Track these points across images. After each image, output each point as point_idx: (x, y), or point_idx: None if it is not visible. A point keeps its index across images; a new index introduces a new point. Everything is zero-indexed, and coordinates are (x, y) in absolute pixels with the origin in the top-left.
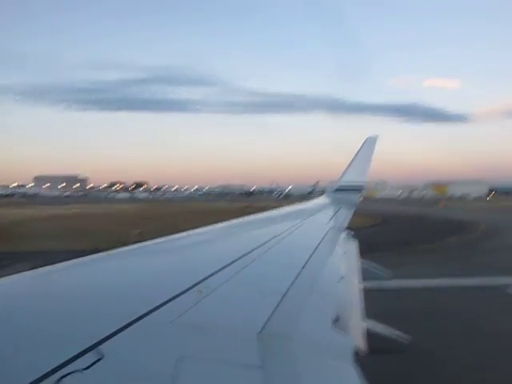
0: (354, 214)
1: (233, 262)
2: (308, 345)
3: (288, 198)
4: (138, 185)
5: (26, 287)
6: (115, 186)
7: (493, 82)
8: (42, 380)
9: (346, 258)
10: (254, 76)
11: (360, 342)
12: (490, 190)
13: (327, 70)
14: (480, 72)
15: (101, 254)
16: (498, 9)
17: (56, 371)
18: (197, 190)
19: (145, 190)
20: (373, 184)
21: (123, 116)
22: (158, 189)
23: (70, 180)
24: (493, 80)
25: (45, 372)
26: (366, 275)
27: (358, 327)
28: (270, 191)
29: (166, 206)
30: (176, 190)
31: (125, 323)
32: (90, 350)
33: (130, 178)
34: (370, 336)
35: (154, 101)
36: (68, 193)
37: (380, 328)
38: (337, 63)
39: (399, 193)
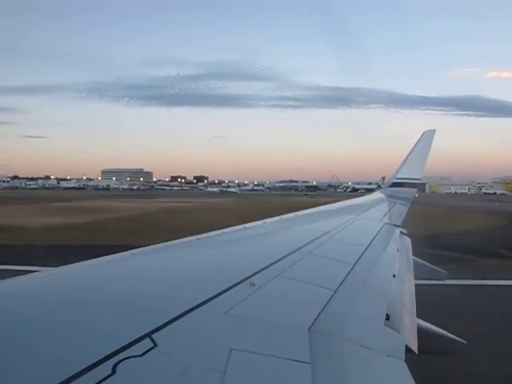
0: (465, 211)
1: (286, 255)
2: (358, 341)
3: (355, 193)
4: (199, 179)
5: (88, 276)
6: (178, 180)
7: None
8: (102, 363)
9: (399, 255)
10: (308, 70)
11: (412, 341)
12: None
13: (385, 64)
14: None
15: (156, 246)
16: None
17: (114, 356)
18: (256, 184)
19: (210, 184)
20: (437, 179)
21: (179, 111)
22: (219, 183)
23: (136, 173)
24: None
25: (103, 356)
26: (419, 274)
27: (410, 326)
28: (331, 186)
29: (264, 200)
30: (238, 184)
31: (178, 313)
32: (145, 339)
33: (189, 173)
34: (423, 336)
35: (209, 96)
36: (136, 186)
37: (433, 328)
38: (395, 55)
39: (467, 188)
